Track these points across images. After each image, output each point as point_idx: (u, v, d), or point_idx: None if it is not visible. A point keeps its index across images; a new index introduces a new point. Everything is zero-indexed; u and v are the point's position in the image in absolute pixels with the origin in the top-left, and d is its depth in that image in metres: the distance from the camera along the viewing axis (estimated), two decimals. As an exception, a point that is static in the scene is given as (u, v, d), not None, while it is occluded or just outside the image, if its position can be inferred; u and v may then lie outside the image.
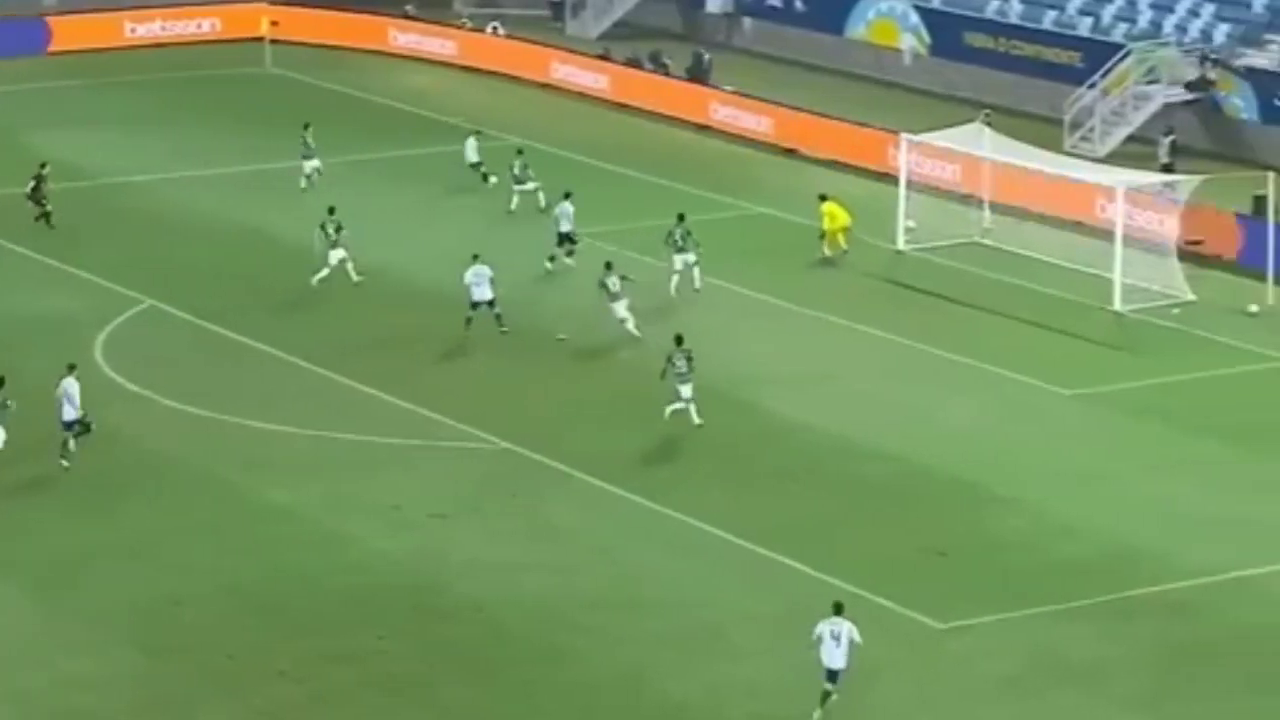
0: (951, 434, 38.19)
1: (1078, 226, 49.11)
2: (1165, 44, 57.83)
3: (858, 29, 65.25)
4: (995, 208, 49.87)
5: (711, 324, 43.95)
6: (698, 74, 62.97)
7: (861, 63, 64.69)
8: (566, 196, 47.04)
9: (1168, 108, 56.73)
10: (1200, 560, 33.00)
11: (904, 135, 50.37)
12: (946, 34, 62.77)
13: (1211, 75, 56.73)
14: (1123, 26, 59.44)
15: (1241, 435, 38.34)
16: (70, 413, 35.82)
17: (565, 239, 46.75)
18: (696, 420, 37.71)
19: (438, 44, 67.45)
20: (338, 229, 45.45)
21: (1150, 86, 57.06)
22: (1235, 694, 29.06)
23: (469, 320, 42.37)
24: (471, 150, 53.13)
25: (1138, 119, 56.77)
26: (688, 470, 36.52)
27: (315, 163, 51.81)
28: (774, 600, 31.59)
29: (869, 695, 28.82)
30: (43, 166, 49.55)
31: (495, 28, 67.74)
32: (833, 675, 27.87)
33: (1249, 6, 58.55)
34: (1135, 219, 46.78)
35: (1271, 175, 47.58)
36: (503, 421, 38.09)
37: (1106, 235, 46.27)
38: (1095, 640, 30.50)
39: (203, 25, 68.78)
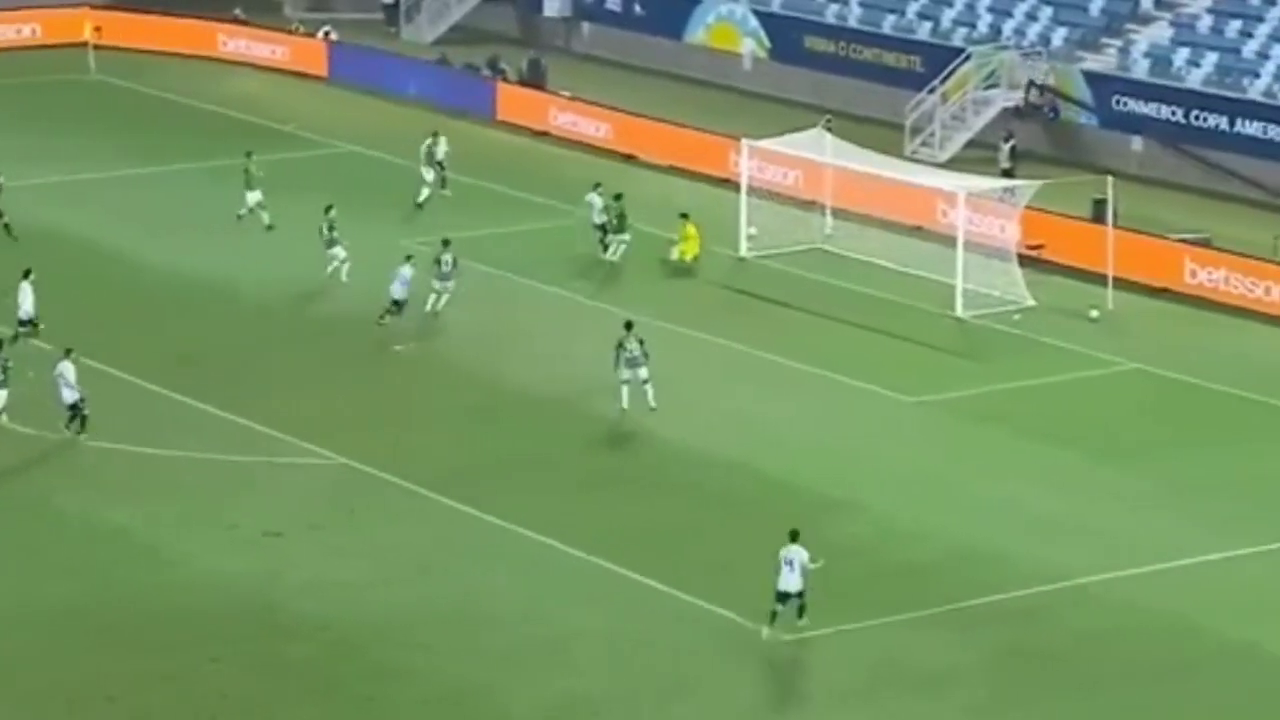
0: (793, 441, 38.62)
1: (919, 232, 49.70)
2: (1004, 48, 58.75)
3: (697, 34, 65.70)
4: (837, 214, 50.36)
5: (549, 333, 44.21)
6: (533, 79, 63.22)
7: (701, 67, 65.13)
8: (595, 187, 48.38)
9: (1007, 112, 57.74)
10: (1044, 566, 33.60)
11: (745, 140, 50.79)
12: (786, 38, 63.38)
13: (1038, 102, 57.42)
14: (962, 31, 60.26)
15: (1083, 441, 39.04)
16: (69, 395, 37.49)
17: (599, 229, 47.92)
18: (652, 404, 38.77)
19: (267, 49, 67.25)
20: (331, 228, 45.89)
21: (990, 91, 58.02)
22: (1074, 698, 29.66)
23: (386, 315, 43.26)
24: (441, 150, 53.13)
25: (978, 124, 57.67)
26: (527, 482, 36.70)
27: (258, 195, 49.80)
28: (614, 613, 31.88)
29: (710, 707, 29.18)
30: None
31: (327, 32, 67.64)
32: (783, 597, 30.51)
33: (1086, 10, 59.57)
34: (976, 224, 47.39)
35: (1110, 179, 48.44)
36: (341, 437, 38.10)
37: (948, 241, 46.89)
38: (938, 649, 30.93)
39: (23, 30, 68.10)
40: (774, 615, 30.52)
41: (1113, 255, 46.97)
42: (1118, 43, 58.19)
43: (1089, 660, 30.76)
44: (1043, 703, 29.66)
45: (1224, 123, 54.60)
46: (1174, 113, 55.43)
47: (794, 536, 30.82)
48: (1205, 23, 57.59)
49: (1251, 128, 54.14)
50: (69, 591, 32.21)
